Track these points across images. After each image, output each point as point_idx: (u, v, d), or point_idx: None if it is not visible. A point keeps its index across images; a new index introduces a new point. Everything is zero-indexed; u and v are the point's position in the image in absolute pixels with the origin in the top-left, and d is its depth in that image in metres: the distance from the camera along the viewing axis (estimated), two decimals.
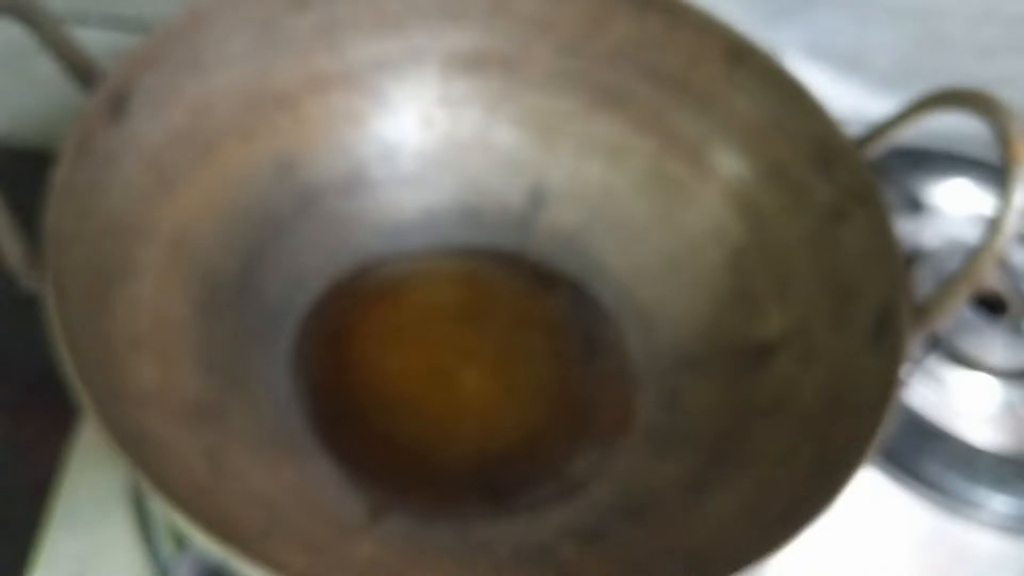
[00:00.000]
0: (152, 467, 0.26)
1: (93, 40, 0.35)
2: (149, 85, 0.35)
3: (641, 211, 0.44)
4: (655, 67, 0.43)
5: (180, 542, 0.34)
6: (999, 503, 0.43)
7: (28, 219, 0.30)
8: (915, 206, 0.53)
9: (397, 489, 0.36)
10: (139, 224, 0.35)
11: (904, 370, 0.32)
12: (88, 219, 0.32)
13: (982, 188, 0.54)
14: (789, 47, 0.53)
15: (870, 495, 0.43)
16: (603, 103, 0.44)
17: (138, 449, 0.27)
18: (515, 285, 0.44)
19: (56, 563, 0.36)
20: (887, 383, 0.31)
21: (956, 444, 0.44)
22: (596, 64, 0.43)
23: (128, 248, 0.35)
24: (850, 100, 0.55)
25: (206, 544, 0.25)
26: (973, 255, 0.33)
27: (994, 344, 0.47)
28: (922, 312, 0.34)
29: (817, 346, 0.37)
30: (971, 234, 0.51)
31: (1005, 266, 0.51)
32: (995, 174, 0.35)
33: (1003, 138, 0.32)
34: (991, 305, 0.48)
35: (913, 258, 0.50)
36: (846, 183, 0.37)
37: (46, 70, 0.33)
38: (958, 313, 0.47)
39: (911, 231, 0.52)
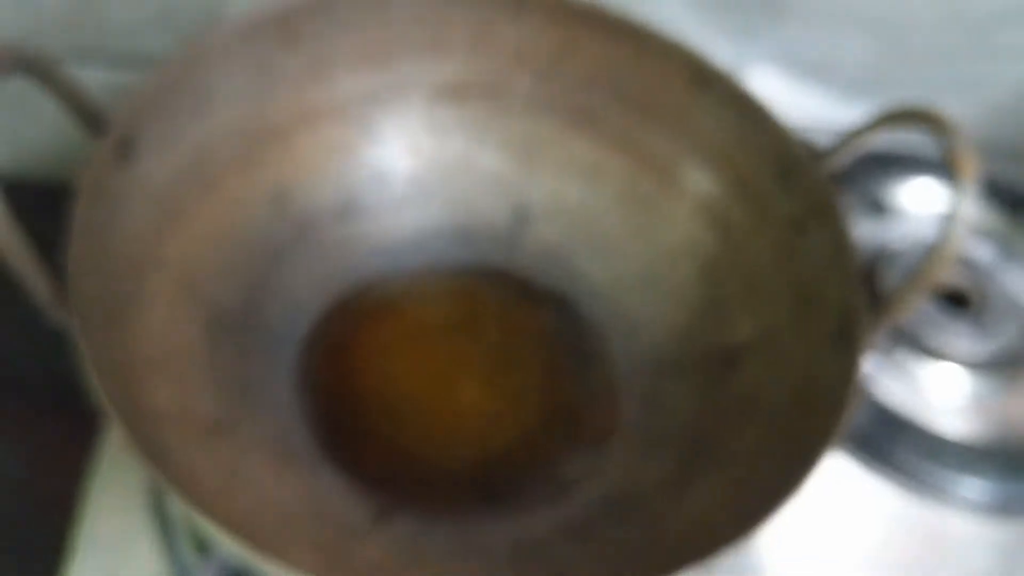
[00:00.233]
0: (174, 477, 0.29)
1: (92, 79, 0.38)
2: (152, 128, 0.37)
3: (618, 226, 0.46)
4: (625, 91, 0.45)
5: (202, 549, 0.37)
6: (969, 488, 0.45)
7: (42, 250, 0.32)
8: (880, 208, 0.56)
9: (400, 494, 0.38)
10: (148, 257, 0.37)
11: (863, 367, 0.34)
12: (102, 255, 0.34)
13: (945, 187, 0.56)
14: (759, 59, 0.55)
15: (847, 484, 0.45)
16: (579, 126, 0.46)
17: (161, 462, 0.29)
18: (504, 298, 0.46)
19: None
20: (848, 379, 0.34)
21: (926, 434, 0.46)
22: (571, 90, 0.46)
23: (139, 280, 0.37)
24: (820, 108, 0.57)
25: (228, 545, 0.27)
26: (927, 258, 0.35)
27: (959, 337, 0.49)
28: (883, 310, 0.36)
29: (784, 349, 0.39)
30: (935, 233, 0.53)
31: (967, 263, 0.53)
32: None
33: (950, 154, 0.34)
34: (955, 300, 0.51)
35: (880, 258, 0.52)
36: (806, 196, 0.40)
37: (50, 107, 0.35)
38: (924, 309, 0.50)
39: (877, 233, 0.54)
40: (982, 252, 0.55)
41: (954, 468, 0.45)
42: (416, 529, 0.37)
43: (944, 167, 0.56)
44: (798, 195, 0.40)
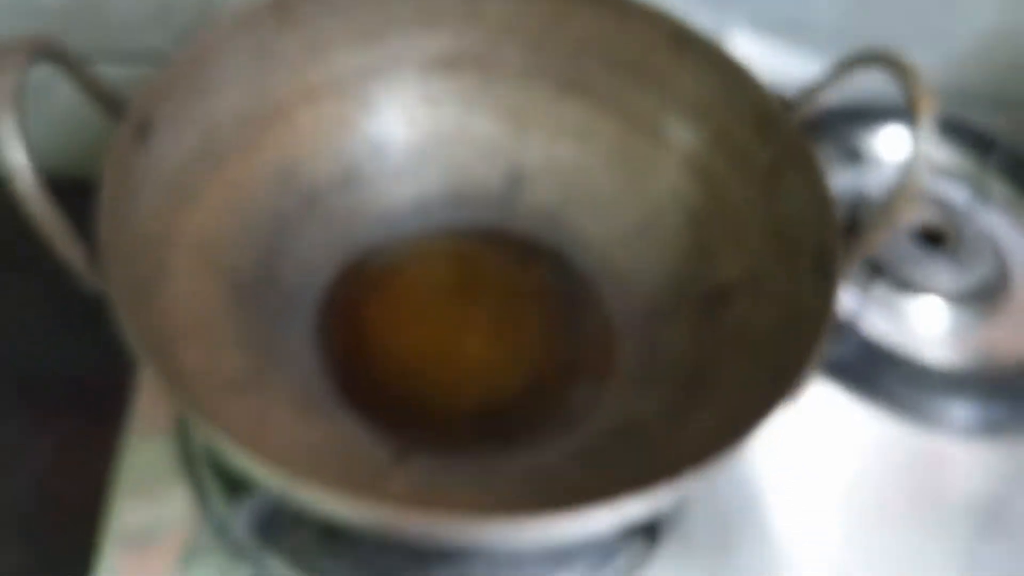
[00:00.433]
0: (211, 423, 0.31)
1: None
2: (166, 112, 0.40)
3: (609, 184, 0.48)
4: (611, 56, 0.47)
5: (232, 501, 0.39)
6: (954, 413, 0.48)
7: None
8: (856, 157, 0.58)
9: (416, 436, 0.41)
10: (169, 232, 0.40)
11: (840, 297, 0.37)
12: (128, 230, 0.37)
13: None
14: (734, 23, 0.57)
15: (839, 415, 0.47)
16: (568, 91, 0.48)
17: (198, 412, 0.32)
18: (502, 258, 0.49)
19: (123, 524, 0.40)
20: (826, 307, 0.36)
21: (911, 364, 0.49)
22: (559, 57, 0.48)
23: (162, 252, 0.39)
24: (794, 66, 0.59)
25: (266, 477, 0.30)
26: (893, 193, 0.38)
27: (938, 272, 0.52)
28: (856, 243, 0.38)
29: (767, 285, 0.41)
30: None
31: (943, 203, 0.56)
32: None
33: (909, 94, 0.37)
34: (933, 238, 0.53)
35: (858, 203, 0.54)
36: (781, 143, 0.42)
37: (52, 106, 0.37)
38: (904, 247, 0.52)
39: (853, 180, 0.57)
40: (956, 192, 0.58)
41: (939, 394, 0.48)
42: (434, 466, 0.40)
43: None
44: (774, 143, 0.43)
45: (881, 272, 0.52)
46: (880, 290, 0.51)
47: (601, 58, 0.48)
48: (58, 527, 0.46)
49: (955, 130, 0.61)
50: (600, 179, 0.49)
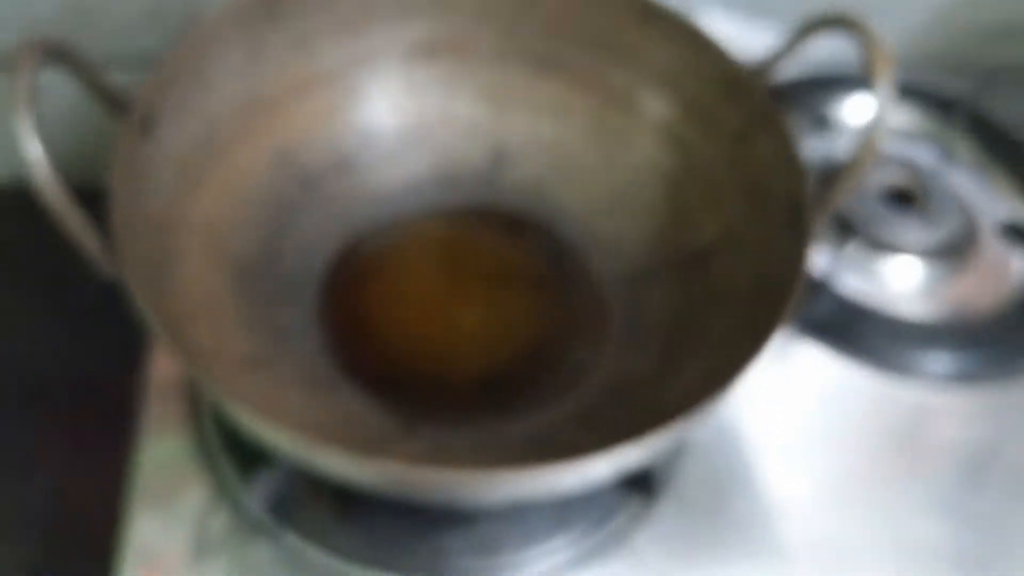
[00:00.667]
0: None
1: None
2: (168, 105, 0.41)
3: (589, 157, 0.51)
4: (582, 35, 0.49)
5: (246, 479, 0.41)
6: (931, 363, 0.50)
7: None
8: (824, 124, 0.60)
9: (421, 408, 0.43)
10: (175, 220, 0.42)
11: (813, 250, 0.39)
12: (137, 219, 0.38)
13: None
14: (701, 2, 0.59)
15: (822, 371, 0.50)
16: (544, 71, 0.51)
17: (219, 388, 0.34)
18: (491, 232, 0.51)
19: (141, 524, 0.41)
20: (799, 259, 0.38)
21: (888, 318, 0.51)
22: (533, 39, 0.50)
23: (170, 240, 0.41)
24: (759, 38, 0.61)
25: (286, 443, 0.32)
26: (856, 150, 0.40)
27: (908, 230, 0.54)
28: (823, 198, 0.41)
29: (744, 242, 0.44)
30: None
31: (910, 164, 0.58)
32: None
33: (868, 54, 0.39)
34: (902, 198, 0.56)
35: (827, 169, 0.57)
36: (749, 108, 0.44)
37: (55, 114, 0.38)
38: (875, 208, 0.54)
39: (823, 146, 0.59)
40: (922, 154, 0.60)
41: (915, 347, 0.50)
42: (441, 434, 0.42)
43: None
44: (743, 108, 0.45)
45: (854, 232, 0.54)
46: (854, 250, 0.54)
47: (573, 37, 0.50)
48: (75, 527, 0.48)
49: (918, 94, 0.63)
50: (579, 152, 0.51)
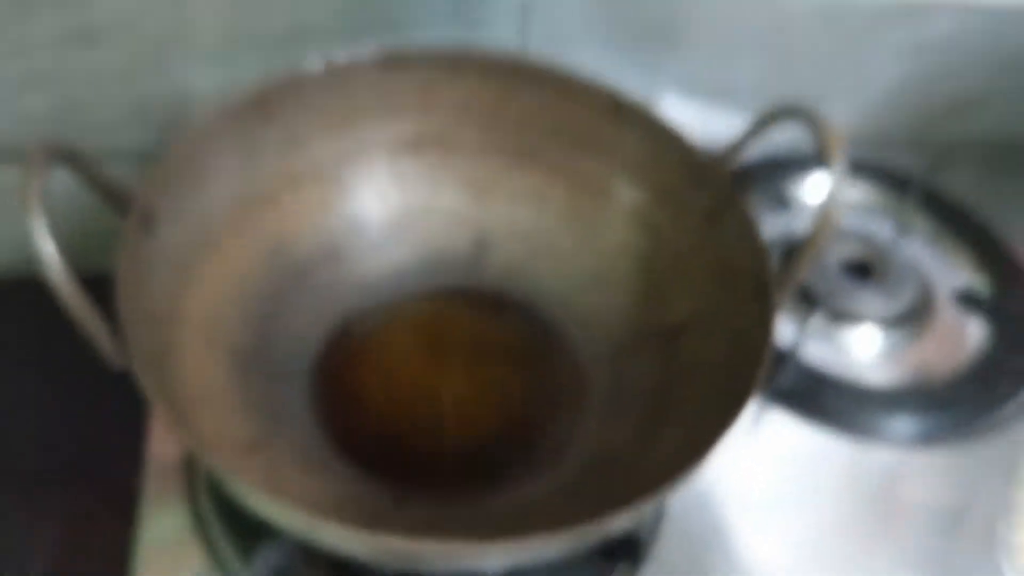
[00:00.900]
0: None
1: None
2: (166, 203, 0.44)
3: (566, 241, 0.53)
4: (557, 127, 0.52)
5: (245, 559, 0.43)
6: (893, 427, 0.52)
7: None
8: (784, 202, 0.63)
9: (412, 483, 0.45)
10: (174, 312, 0.44)
11: (778, 322, 0.42)
12: (141, 312, 0.40)
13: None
14: (664, 87, 0.62)
15: (790, 436, 0.52)
16: (522, 161, 0.54)
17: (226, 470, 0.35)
18: (475, 313, 0.53)
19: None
20: (766, 330, 0.41)
21: (851, 385, 0.54)
22: (511, 132, 0.53)
23: (170, 331, 0.43)
24: (722, 124, 0.63)
25: (293, 521, 0.34)
26: (814, 226, 0.42)
27: (868, 301, 0.57)
28: (787, 272, 0.43)
29: (715, 317, 0.46)
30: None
31: (867, 238, 0.61)
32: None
33: (820, 140, 0.42)
34: (861, 270, 0.59)
35: (789, 244, 0.59)
36: (714, 191, 0.47)
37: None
38: (836, 280, 0.57)
39: (784, 224, 0.62)
40: (879, 228, 0.63)
41: (879, 411, 0.53)
42: (431, 510, 0.44)
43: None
44: (708, 192, 0.48)
45: (817, 305, 0.56)
46: (818, 321, 0.56)
47: (548, 130, 0.53)
48: None
49: (874, 171, 0.66)
50: (557, 237, 0.53)
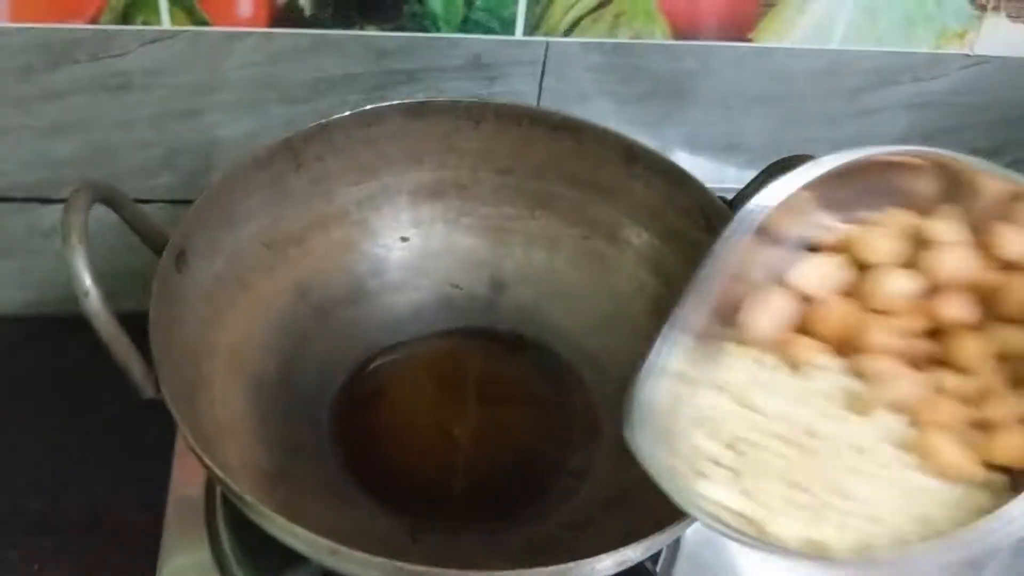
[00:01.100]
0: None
1: (108, 215, 0.43)
2: (198, 242, 0.46)
3: (579, 283, 0.55)
4: (572, 173, 0.54)
5: None
6: None
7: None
8: None
9: (428, 517, 0.46)
10: (203, 346, 0.46)
11: None
12: (172, 346, 0.42)
13: None
14: (674, 144, 0.63)
15: None
16: (537, 206, 0.56)
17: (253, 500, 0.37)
18: (490, 352, 0.55)
19: None
20: None
21: None
22: (527, 178, 0.55)
23: (199, 364, 0.45)
24: (731, 174, 0.65)
25: (318, 550, 0.35)
26: None
27: None
28: None
29: None
30: None
31: None
32: None
33: None
34: None
35: None
36: None
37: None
38: None
39: None
40: None
41: None
42: (447, 541, 0.45)
43: None
44: (718, 235, 0.49)
45: None
46: None
47: (562, 176, 0.55)
48: None
49: None
50: (571, 280, 0.55)
